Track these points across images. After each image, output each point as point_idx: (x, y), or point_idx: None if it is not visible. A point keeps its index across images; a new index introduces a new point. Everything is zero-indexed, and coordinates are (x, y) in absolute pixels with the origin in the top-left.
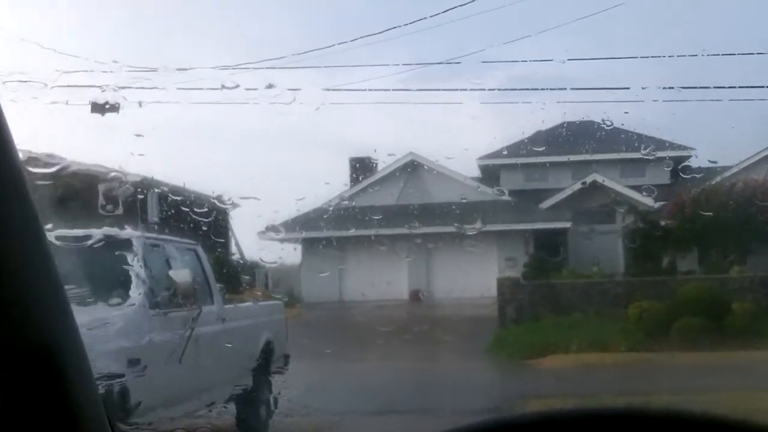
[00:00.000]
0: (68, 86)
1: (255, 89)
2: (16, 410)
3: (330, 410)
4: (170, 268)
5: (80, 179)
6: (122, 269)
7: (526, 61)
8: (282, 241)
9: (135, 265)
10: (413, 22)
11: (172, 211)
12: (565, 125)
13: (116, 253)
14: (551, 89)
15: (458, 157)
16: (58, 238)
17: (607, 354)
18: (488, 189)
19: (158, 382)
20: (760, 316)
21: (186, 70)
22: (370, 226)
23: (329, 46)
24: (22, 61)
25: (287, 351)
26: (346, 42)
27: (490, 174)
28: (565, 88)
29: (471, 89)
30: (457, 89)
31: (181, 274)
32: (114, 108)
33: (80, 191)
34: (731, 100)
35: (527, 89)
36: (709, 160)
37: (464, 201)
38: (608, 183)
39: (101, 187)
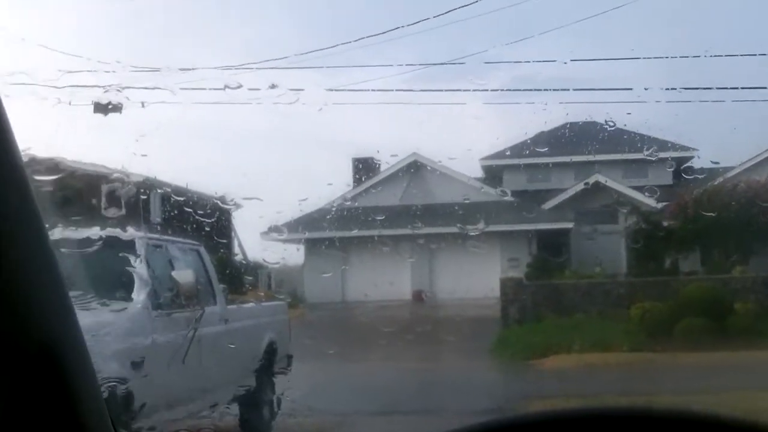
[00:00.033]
0: (71, 86)
1: (258, 89)
2: (20, 409)
3: (333, 411)
4: (173, 268)
5: (83, 180)
6: (125, 270)
7: (529, 61)
8: (285, 241)
9: (138, 266)
10: (416, 23)
11: (175, 212)
12: (567, 126)
13: (119, 254)
14: (554, 90)
15: (461, 157)
16: (61, 239)
17: (610, 354)
18: (491, 189)
19: (161, 383)
20: (763, 317)
21: (189, 70)
22: (373, 227)
23: (332, 47)
24: (24, 61)
25: (290, 351)
26: (349, 42)
27: (493, 174)
28: (568, 89)
29: (474, 90)
30: (460, 90)
31: (184, 275)
32: (117, 108)
33: (83, 192)
34: (734, 101)
35: (530, 90)
36: (711, 161)
37: (467, 201)
38: (611, 184)
39: (104, 188)
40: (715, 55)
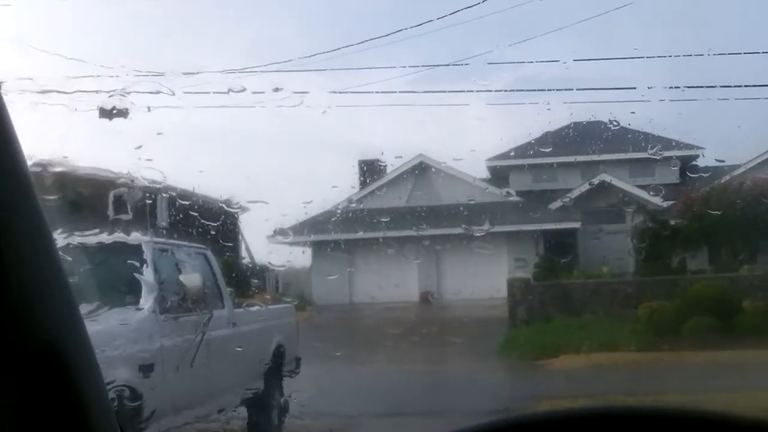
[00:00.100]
0: (76, 92)
1: (262, 93)
2: (26, 409)
3: (341, 413)
4: (180, 272)
5: (89, 185)
6: (132, 275)
7: (532, 62)
8: (291, 244)
9: (145, 271)
10: (420, 25)
11: (181, 216)
12: (572, 126)
13: (126, 258)
14: (558, 90)
15: (466, 158)
16: (68, 245)
17: (618, 354)
18: (497, 190)
19: (170, 386)
20: None
21: (193, 74)
22: (378, 229)
23: (336, 49)
24: (29, 67)
25: (298, 354)
26: (352, 45)
27: (498, 175)
28: (572, 89)
29: (477, 91)
30: (463, 91)
31: (191, 279)
32: (122, 113)
33: (89, 197)
34: (738, 99)
35: (534, 90)
36: (716, 159)
37: (473, 202)
38: (617, 183)
39: (110, 193)
40: (718, 54)
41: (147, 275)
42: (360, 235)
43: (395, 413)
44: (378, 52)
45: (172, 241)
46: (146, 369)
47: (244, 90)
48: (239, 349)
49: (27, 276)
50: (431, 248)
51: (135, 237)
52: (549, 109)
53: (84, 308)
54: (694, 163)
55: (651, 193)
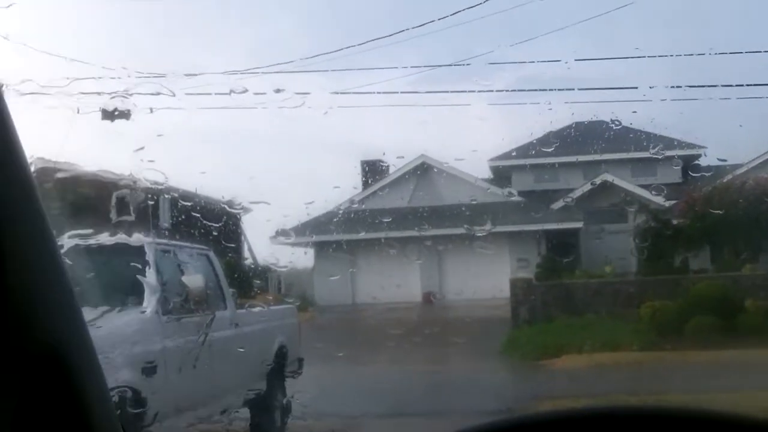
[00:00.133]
0: (78, 93)
1: (264, 94)
2: (28, 411)
3: (343, 413)
4: (183, 273)
5: (91, 186)
6: (135, 276)
7: (533, 62)
8: (293, 245)
9: (147, 272)
10: (421, 25)
11: (183, 217)
12: (574, 125)
13: (129, 260)
14: (559, 90)
15: (468, 158)
16: (71, 246)
17: (620, 354)
18: (499, 190)
19: (172, 388)
20: None
21: (195, 75)
22: (380, 229)
23: (338, 50)
24: (31, 68)
25: (301, 355)
26: (354, 45)
27: (500, 175)
28: (573, 89)
29: (479, 91)
30: (465, 91)
31: (193, 280)
32: (124, 115)
33: (91, 198)
34: (739, 98)
35: (535, 90)
36: (718, 159)
37: (475, 202)
38: (619, 182)
39: (112, 194)
40: (720, 53)
41: (149, 277)
42: (362, 235)
43: (397, 414)
44: (380, 52)
45: (174, 242)
46: (149, 370)
47: (245, 91)
48: (242, 350)
49: (29, 278)
50: (433, 248)
51: (137, 238)
52: (551, 109)
53: (86, 310)
54: (696, 162)
55: (653, 192)
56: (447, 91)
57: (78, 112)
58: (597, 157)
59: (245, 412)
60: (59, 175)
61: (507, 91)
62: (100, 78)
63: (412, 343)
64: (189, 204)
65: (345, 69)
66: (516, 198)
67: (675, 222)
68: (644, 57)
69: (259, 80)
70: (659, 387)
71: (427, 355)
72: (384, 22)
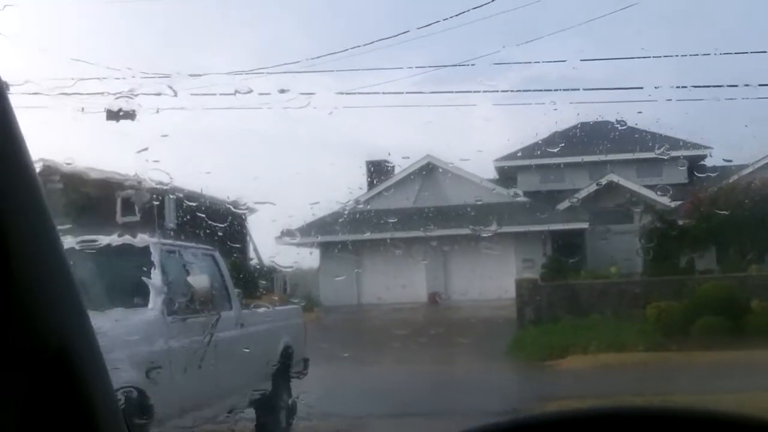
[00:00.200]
0: (84, 94)
1: (268, 94)
2: (34, 411)
3: (349, 414)
4: (188, 274)
5: (95, 186)
6: (140, 276)
7: (539, 62)
8: (298, 245)
9: (153, 272)
10: (426, 26)
11: (189, 217)
12: (579, 126)
13: (134, 260)
14: (564, 90)
15: (473, 158)
16: (76, 246)
17: (626, 355)
18: (504, 190)
19: (178, 388)
20: None
21: (199, 75)
22: (386, 230)
23: (343, 51)
24: (36, 69)
25: (306, 355)
26: (359, 46)
27: (506, 175)
28: (579, 89)
29: (484, 91)
30: (470, 91)
31: (199, 280)
32: (128, 115)
33: (96, 198)
34: (745, 98)
35: (540, 90)
36: (724, 159)
37: (480, 203)
38: (624, 183)
39: (118, 195)
40: (725, 53)
41: (155, 277)
42: (367, 236)
43: (403, 414)
44: (385, 52)
45: (179, 242)
46: (154, 370)
47: (250, 91)
48: (247, 350)
49: (35, 277)
50: (439, 249)
51: (142, 238)
52: (556, 110)
53: (92, 310)
54: (702, 162)
55: (659, 193)
56: (452, 92)
57: (83, 111)
58: (602, 157)
59: (250, 413)
60: (64, 175)
61: (512, 91)
62: (104, 78)
63: (417, 343)
64: (194, 204)
65: (350, 69)
66: (521, 198)
67: (681, 222)
68: (649, 57)
69: (263, 80)
70: (665, 388)
71: (433, 356)
72: (389, 22)
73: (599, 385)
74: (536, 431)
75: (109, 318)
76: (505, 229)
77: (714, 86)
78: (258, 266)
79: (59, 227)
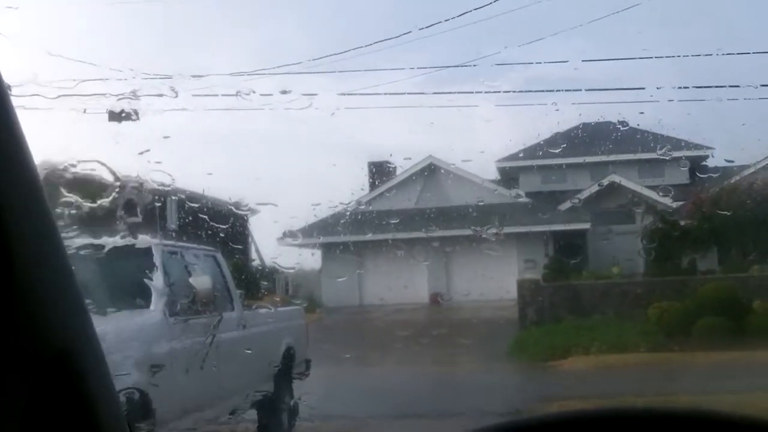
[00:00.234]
0: (85, 95)
1: (270, 95)
2: (37, 413)
3: (351, 415)
4: (190, 275)
5: (98, 188)
6: (142, 277)
7: (540, 63)
8: (300, 246)
9: (155, 274)
10: (428, 26)
11: (191, 218)
12: (581, 126)
13: (136, 261)
14: (566, 91)
15: (475, 159)
16: (78, 248)
17: (628, 355)
18: (506, 191)
19: (179, 389)
20: None
21: (201, 76)
22: (388, 231)
23: (345, 51)
24: (38, 70)
25: (308, 356)
26: (361, 47)
27: (508, 176)
28: (580, 90)
29: (486, 92)
30: (472, 92)
31: (201, 281)
32: (130, 116)
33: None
34: (747, 99)
35: (542, 91)
36: (725, 160)
37: (482, 204)
38: (626, 183)
39: (120, 196)
40: (727, 53)
41: (156, 278)
42: (369, 236)
43: (405, 415)
44: (387, 53)
45: (181, 243)
46: (156, 372)
47: (252, 92)
48: (249, 351)
49: (37, 279)
50: (440, 250)
51: (144, 240)
52: (558, 110)
53: (94, 312)
54: (704, 163)
55: (660, 193)
56: (454, 92)
57: (85, 112)
58: (604, 158)
59: (252, 414)
60: (65, 176)
61: (514, 92)
62: (107, 80)
63: (419, 344)
64: (196, 205)
65: (352, 70)
66: (523, 199)
67: (682, 223)
68: (651, 58)
69: (265, 81)
70: (667, 388)
71: (435, 357)
72: (391, 23)
73: (601, 385)
74: None
75: (111, 319)
76: (507, 229)
77: (716, 86)
78: (260, 267)
79: (60, 228)
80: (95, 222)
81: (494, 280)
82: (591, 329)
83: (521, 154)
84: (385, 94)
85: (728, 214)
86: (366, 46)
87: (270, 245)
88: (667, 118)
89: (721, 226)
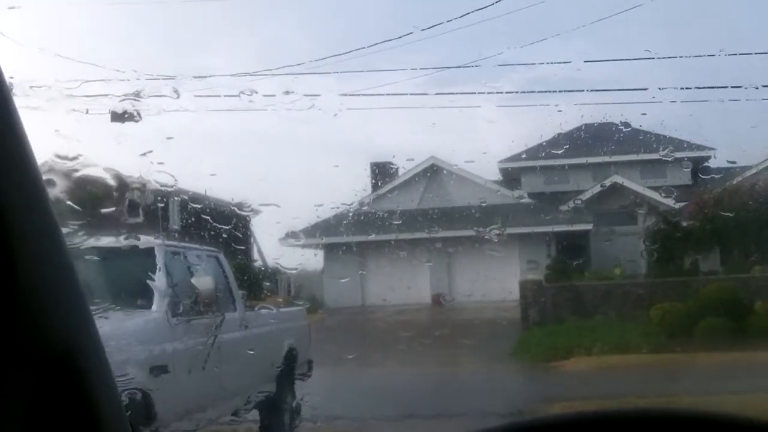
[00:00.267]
0: (88, 95)
1: (273, 96)
2: (39, 414)
3: (353, 416)
4: (192, 275)
5: (100, 188)
6: (144, 278)
7: (543, 63)
8: (303, 247)
9: (157, 274)
10: (430, 27)
11: (193, 219)
12: (583, 127)
13: (138, 262)
14: (568, 91)
15: (477, 160)
16: (81, 248)
17: (630, 356)
18: (508, 192)
19: (182, 389)
20: None
21: (204, 77)
22: (390, 231)
23: (347, 52)
24: (41, 70)
25: (310, 357)
26: (363, 48)
27: (510, 177)
28: (583, 90)
29: (488, 93)
30: (474, 93)
31: (203, 282)
32: (133, 117)
33: (101, 200)
34: (749, 100)
35: (545, 92)
36: (728, 161)
37: (484, 204)
38: (628, 184)
39: (122, 197)
40: (729, 54)
41: (159, 278)
42: (372, 237)
43: (407, 416)
44: (389, 54)
45: (184, 244)
46: (158, 372)
47: (255, 93)
48: (251, 351)
49: (39, 279)
50: (443, 250)
51: (147, 240)
52: (560, 111)
53: (96, 312)
54: (706, 164)
55: (663, 194)
56: (456, 93)
57: (87, 113)
58: (606, 158)
59: (255, 414)
60: (68, 176)
61: (516, 92)
62: (109, 80)
63: (422, 345)
64: (199, 206)
65: (354, 71)
66: (526, 200)
67: (685, 224)
68: (653, 58)
69: (268, 82)
70: (669, 389)
71: (437, 357)
72: (393, 24)
73: (603, 386)
74: None
75: (113, 319)
76: (510, 230)
77: (718, 87)
78: (262, 268)
79: (63, 228)
80: (98, 222)
81: (497, 281)
82: (593, 330)
83: (523, 155)
84: (387, 94)
85: (730, 215)
86: (368, 46)
87: (272, 246)
88: (670, 119)
89: (723, 227)
